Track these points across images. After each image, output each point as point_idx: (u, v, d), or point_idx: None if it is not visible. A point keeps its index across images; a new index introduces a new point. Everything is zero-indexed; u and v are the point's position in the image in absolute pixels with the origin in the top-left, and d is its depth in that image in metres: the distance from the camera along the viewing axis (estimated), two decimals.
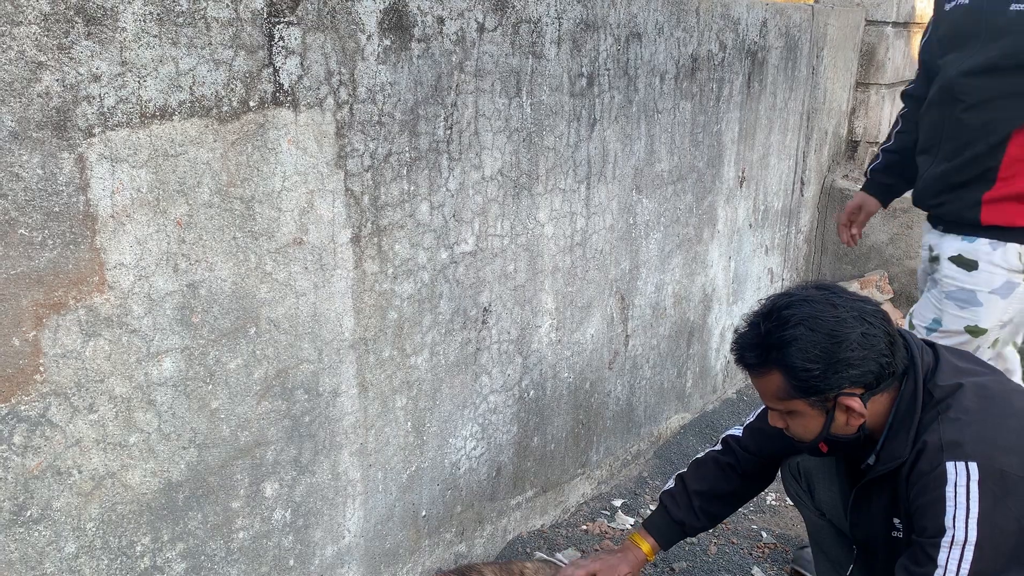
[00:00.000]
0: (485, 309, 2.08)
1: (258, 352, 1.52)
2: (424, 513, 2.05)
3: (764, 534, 2.58)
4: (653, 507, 2.69)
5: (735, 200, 3.40)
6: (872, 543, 1.71)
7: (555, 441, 2.51)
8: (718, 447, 1.96)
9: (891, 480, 1.57)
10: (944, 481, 1.42)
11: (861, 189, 2.65)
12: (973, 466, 1.41)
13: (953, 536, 1.40)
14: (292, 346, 1.59)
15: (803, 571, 2.32)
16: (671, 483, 1.98)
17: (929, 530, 1.43)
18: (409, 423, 1.93)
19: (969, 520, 1.39)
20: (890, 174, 2.55)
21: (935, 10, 2.30)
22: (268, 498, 1.61)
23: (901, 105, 2.62)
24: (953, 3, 2.18)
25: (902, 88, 2.72)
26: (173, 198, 1.32)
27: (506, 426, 2.28)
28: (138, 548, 1.38)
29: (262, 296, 1.50)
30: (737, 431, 1.95)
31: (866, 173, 2.62)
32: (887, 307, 3.69)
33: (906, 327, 2.31)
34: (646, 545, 1.94)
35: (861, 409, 1.52)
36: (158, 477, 1.40)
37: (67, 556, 1.29)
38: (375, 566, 1.93)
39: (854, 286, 4.10)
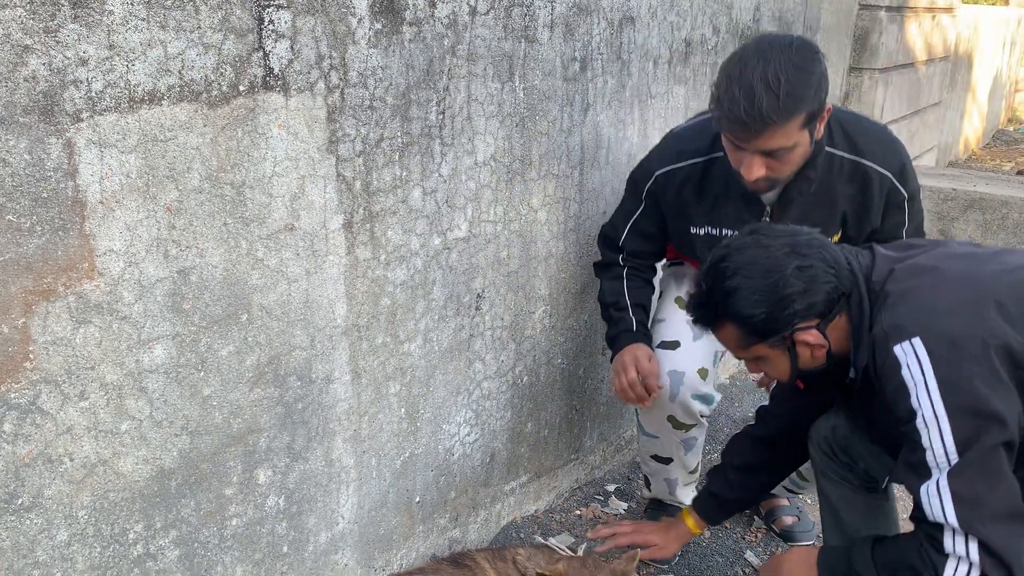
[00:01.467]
0: (478, 295, 2.07)
1: (250, 339, 1.52)
2: (418, 499, 2.05)
3: (756, 519, 2.59)
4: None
5: None
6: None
7: (549, 427, 2.51)
8: (753, 420, 2.03)
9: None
10: (898, 366, 1.43)
11: None
12: (916, 341, 1.41)
13: (923, 415, 1.40)
14: (284, 333, 1.58)
15: None
16: (719, 459, 2.08)
17: (905, 417, 1.44)
18: (403, 409, 1.92)
19: (932, 394, 1.38)
20: None
21: None
22: (261, 485, 1.61)
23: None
24: None
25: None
26: (163, 184, 1.31)
27: (500, 412, 2.28)
28: (131, 535, 1.38)
29: (254, 282, 1.49)
30: (767, 401, 2.03)
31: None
32: None
33: None
34: (691, 520, 2.04)
35: (819, 340, 1.55)
36: (150, 464, 1.39)
37: (59, 544, 1.29)
38: (369, 552, 1.94)
39: None
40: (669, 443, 2.25)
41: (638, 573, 2.27)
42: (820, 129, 1.80)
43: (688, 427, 2.21)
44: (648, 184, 2.10)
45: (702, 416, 2.22)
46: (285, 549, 1.70)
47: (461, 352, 2.07)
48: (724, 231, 2.02)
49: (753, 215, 1.97)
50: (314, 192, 1.56)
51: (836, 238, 2.02)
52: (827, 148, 1.90)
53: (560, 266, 2.35)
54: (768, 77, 1.63)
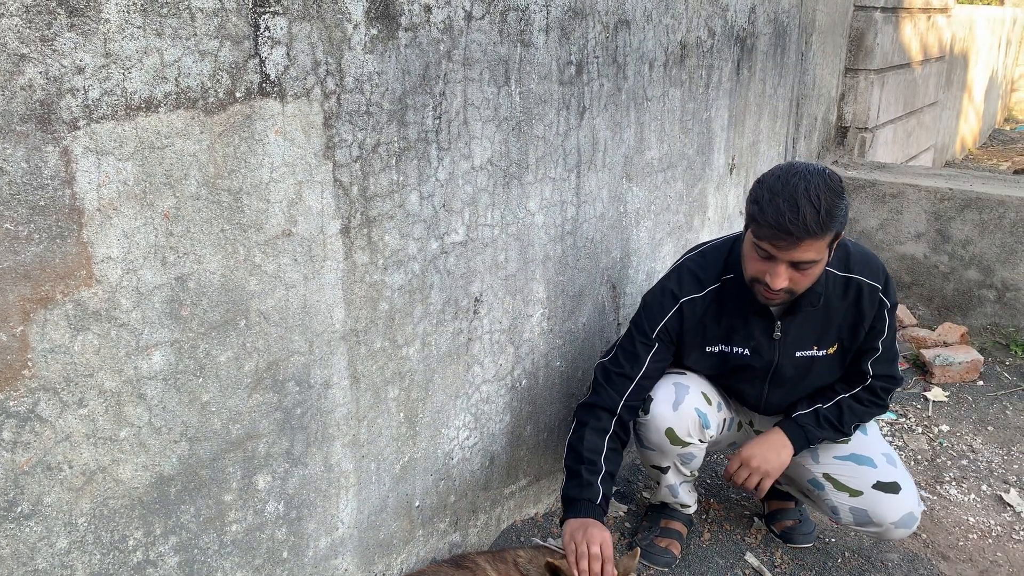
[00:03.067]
0: (476, 299, 2.08)
1: (248, 345, 1.52)
2: (418, 503, 2.05)
3: (756, 520, 2.59)
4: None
5: (725, 187, 3.41)
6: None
7: (548, 430, 2.51)
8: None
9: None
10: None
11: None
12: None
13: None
14: (283, 338, 1.58)
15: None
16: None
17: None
18: (402, 414, 1.93)
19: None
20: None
21: None
22: (261, 490, 1.61)
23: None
24: None
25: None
26: (160, 191, 1.31)
27: (499, 415, 2.28)
28: (130, 542, 1.38)
29: (251, 288, 1.49)
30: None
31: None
32: None
33: None
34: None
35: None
36: (150, 471, 1.39)
37: (59, 551, 1.29)
38: (369, 557, 1.94)
39: None
40: (667, 456, 2.26)
41: (638, 574, 2.27)
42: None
43: (686, 444, 2.22)
44: (667, 317, 2.17)
45: (700, 440, 2.23)
46: (285, 554, 1.70)
47: (459, 356, 2.07)
48: (735, 348, 2.18)
49: (765, 329, 2.14)
50: (311, 197, 1.56)
51: (833, 350, 2.17)
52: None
53: (558, 269, 2.35)
54: (810, 193, 1.80)
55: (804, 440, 2.20)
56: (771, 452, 2.20)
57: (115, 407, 1.32)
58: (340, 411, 1.75)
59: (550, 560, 1.92)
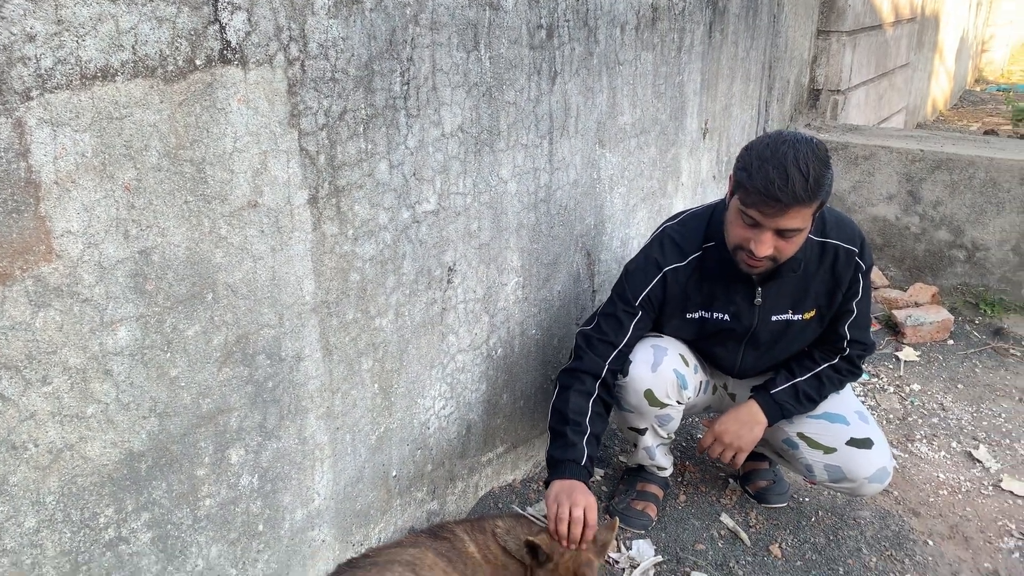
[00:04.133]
0: (450, 268, 2.06)
1: (216, 318, 1.50)
2: (395, 473, 2.05)
3: (731, 481, 2.62)
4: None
5: (699, 152, 3.40)
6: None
7: (524, 397, 2.51)
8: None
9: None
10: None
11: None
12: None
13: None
14: (252, 311, 1.56)
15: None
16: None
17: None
18: (376, 385, 1.91)
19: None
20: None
21: None
22: (234, 464, 1.60)
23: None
24: None
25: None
26: (120, 162, 1.28)
27: (475, 384, 2.28)
28: (101, 520, 1.36)
29: (218, 261, 1.47)
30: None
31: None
32: None
33: None
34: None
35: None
36: (118, 448, 1.37)
37: (27, 531, 1.27)
38: (347, 527, 1.94)
39: None
40: (645, 417, 2.27)
41: (617, 539, 2.30)
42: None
43: (664, 405, 2.23)
44: (651, 286, 2.17)
45: (678, 401, 2.24)
46: (261, 527, 1.69)
47: (434, 326, 2.06)
48: (715, 314, 2.20)
49: (746, 295, 2.15)
50: (277, 167, 1.53)
51: (810, 316, 2.19)
52: None
53: (531, 237, 2.34)
54: (799, 162, 1.81)
55: (779, 415, 2.23)
56: (744, 427, 2.22)
57: (81, 384, 1.30)
58: (313, 383, 1.73)
59: (530, 539, 1.93)
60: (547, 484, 2.05)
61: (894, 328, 3.81)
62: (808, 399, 2.22)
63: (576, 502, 1.93)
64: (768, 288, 2.13)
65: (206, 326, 1.48)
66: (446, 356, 2.13)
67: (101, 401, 1.33)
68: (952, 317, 3.80)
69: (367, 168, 1.73)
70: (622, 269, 2.25)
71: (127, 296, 1.34)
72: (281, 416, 1.68)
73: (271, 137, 1.51)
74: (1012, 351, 3.64)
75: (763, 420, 2.21)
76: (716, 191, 3.61)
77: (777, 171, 1.81)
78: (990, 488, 2.67)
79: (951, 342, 3.73)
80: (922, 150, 4.10)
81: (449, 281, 2.07)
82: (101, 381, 1.33)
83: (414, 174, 1.86)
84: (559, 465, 2.05)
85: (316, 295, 1.69)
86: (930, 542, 2.38)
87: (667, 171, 3.11)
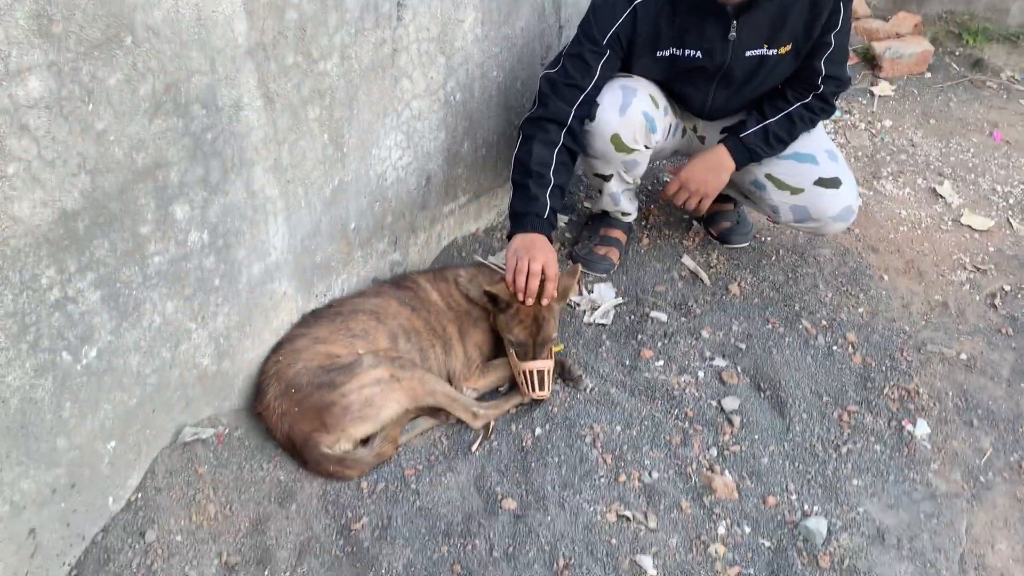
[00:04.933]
0: (399, 4, 1.89)
1: (140, 65, 1.37)
2: (353, 225, 2.01)
3: (695, 224, 2.62)
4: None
5: None
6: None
7: (487, 146, 2.43)
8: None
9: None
10: None
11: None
12: None
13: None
14: (179, 56, 1.43)
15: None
16: None
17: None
18: (325, 135, 1.82)
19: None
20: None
21: None
22: (180, 220, 1.54)
23: None
24: None
25: None
26: None
27: (432, 133, 2.18)
28: (43, 281, 1.32)
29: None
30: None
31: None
32: None
33: None
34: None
35: None
36: (49, 207, 1.30)
37: None
38: (307, 279, 1.93)
39: None
40: (611, 163, 2.21)
41: (578, 284, 2.33)
42: None
43: (631, 151, 2.16)
44: (619, 21, 2.02)
45: (646, 146, 2.17)
46: (217, 282, 1.67)
47: (384, 70, 1.93)
48: (687, 51, 2.07)
49: (720, 30, 2.02)
50: None
51: (785, 50, 2.06)
52: None
53: None
54: None
55: (748, 159, 2.17)
56: (710, 173, 2.17)
57: None
58: (256, 134, 1.64)
59: (487, 288, 1.93)
60: (509, 237, 2.03)
61: (871, 61, 3.68)
62: (779, 141, 2.16)
63: (535, 257, 1.92)
64: (743, 21, 1.99)
65: (129, 73, 1.36)
66: (400, 103, 2.02)
67: (21, 159, 1.24)
68: (932, 48, 3.66)
69: None
70: (589, 5, 2.08)
71: (31, 41, 1.20)
72: (225, 170, 1.60)
73: None
74: (989, 83, 3.56)
75: (731, 165, 2.16)
76: None
77: None
78: (949, 224, 2.70)
79: (928, 75, 3.63)
80: None
81: (399, 18, 1.91)
82: (18, 137, 1.23)
83: None
84: (521, 218, 2.01)
85: (250, 36, 1.54)
86: (885, 277, 2.44)
87: None
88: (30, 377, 1.35)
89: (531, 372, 1.91)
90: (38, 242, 1.30)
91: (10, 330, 1.30)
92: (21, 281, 1.29)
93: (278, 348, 1.86)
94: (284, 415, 1.76)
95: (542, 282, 1.92)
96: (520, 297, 1.92)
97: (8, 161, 1.23)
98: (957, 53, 3.77)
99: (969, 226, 2.68)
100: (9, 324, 1.30)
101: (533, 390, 1.92)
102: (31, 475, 1.41)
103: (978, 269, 2.49)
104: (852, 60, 3.64)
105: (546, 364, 1.93)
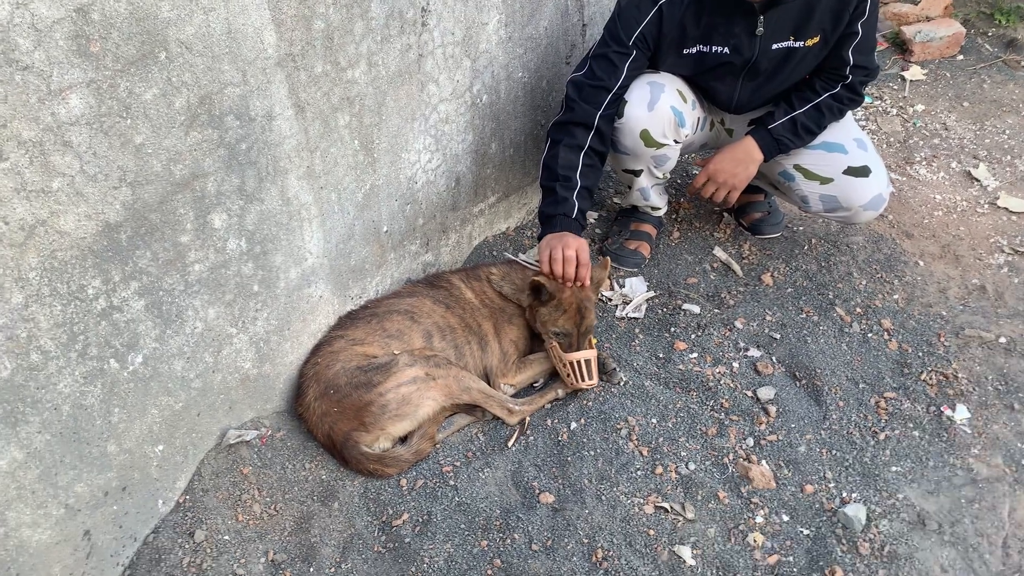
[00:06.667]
0: (423, 9, 1.92)
1: (174, 79, 1.41)
2: (386, 228, 2.05)
3: (726, 215, 2.62)
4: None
5: None
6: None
7: (514, 145, 2.46)
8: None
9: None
10: None
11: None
12: None
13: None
14: (211, 69, 1.47)
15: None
16: None
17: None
18: (356, 141, 1.86)
19: None
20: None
21: None
22: (218, 229, 1.59)
23: None
24: None
25: None
26: None
27: (460, 135, 2.21)
28: (90, 291, 1.38)
29: (165, 16, 1.36)
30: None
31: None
32: None
33: None
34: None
35: None
36: (94, 220, 1.35)
37: (16, 306, 1.28)
38: (343, 282, 1.97)
39: None
40: (641, 159, 2.22)
41: (610, 278, 2.34)
42: None
43: (660, 145, 2.17)
44: (645, 22, 2.03)
45: (675, 141, 2.18)
46: (256, 288, 1.72)
47: (411, 75, 1.96)
48: (714, 47, 2.07)
49: (747, 26, 2.02)
50: None
51: (813, 42, 2.05)
52: None
53: None
54: None
55: (776, 151, 2.17)
56: (738, 166, 2.17)
57: (40, 157, 1.25)
58: (289, 143, 1.68)
59: (534, 279, 1.96)
60: (540, 239, 2.05)
61: (901, 46, 3.63)
62: (807, 131, 2.15)
63: (567, 244, 1.95)
64: (770, 16, 1.99)
65: (164, 88, 1.40)
66: (427, 107, 2.05)
67: (65, 174, 1.29)
68: (964, 30, 3.60)
69: None
70: (615, 6, 2.09)
71: (71, 60, 1.26)
72: (260, 178, 1.64)
73: None
74: (1023, 63, 3.49)
75: (758, 157, 2.16)
76: None
77: None
78: (985, 206, 2.66)
79: (960, 57, 3.57)
80: None
81: (424, 23, 1.94)
82: (61, 153, 1.28)
83: None
84: (550, 220, 2.04)
85: (279, 47, 1.58)
86: (920, 262, 2.42)
87: None
88: (80, 384, 1.40)
89: (578, 363, 1.94)
90: (83, 254, 1.36)
91: (60, 339, 1.35)
92: (69, 292, 1.35)
93: (316, 350, 1.90)
94: (324, 415, 1.80)
95: (577, 267, 1.95)
96: (561, 282, 1.95)
97: (53, 177, 1.28)
98: (989, 34, 3.71)
99: (1006, 208, 2.64)
100: (59, 333, 1.35)
101: (581, 380, 1.94)
102: (84, 479, 1.46)
103: (1016, 251, 2.45)
104: (881, 46, 3.60)
105: (592, 353, 1.96)
